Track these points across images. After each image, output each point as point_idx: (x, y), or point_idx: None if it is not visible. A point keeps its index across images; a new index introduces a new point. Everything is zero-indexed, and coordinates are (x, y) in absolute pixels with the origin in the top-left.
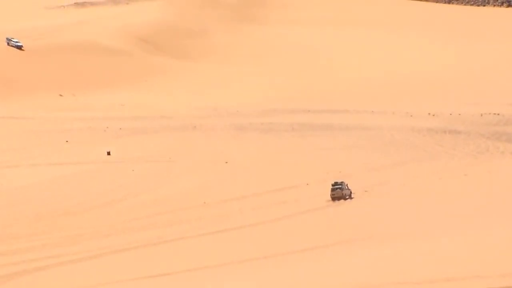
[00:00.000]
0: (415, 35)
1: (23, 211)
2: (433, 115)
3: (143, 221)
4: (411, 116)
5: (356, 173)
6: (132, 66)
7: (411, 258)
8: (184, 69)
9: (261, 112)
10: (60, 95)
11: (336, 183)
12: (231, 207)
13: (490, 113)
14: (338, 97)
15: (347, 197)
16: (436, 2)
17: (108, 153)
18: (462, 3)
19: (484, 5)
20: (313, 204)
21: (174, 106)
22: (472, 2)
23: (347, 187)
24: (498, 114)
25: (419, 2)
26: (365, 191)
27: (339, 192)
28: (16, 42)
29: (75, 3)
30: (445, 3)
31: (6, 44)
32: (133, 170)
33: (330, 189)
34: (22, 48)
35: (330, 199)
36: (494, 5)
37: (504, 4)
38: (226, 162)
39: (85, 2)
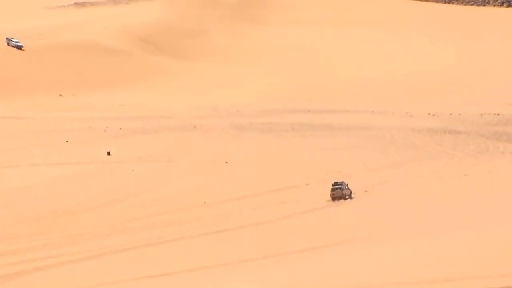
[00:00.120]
0: (415, 35)
1: (23, 211)
2: (433, 115)
3: (143, 221)
4: (411, 116)
5: (356, 173)
6: (132, 66)
7: (411, 258)
8: (184, 69)
9: (261, 112)
10: (60, 95)
11: (336, 183)
12: (231, 207)
13: (490, 113)
14: (338, 97)
15: (347, 197)
16: (436, 2)
17: (108, 153)
18: (462, 3)
19: (484, 5)
20: (313, 204)
21: (174, 106)
22: (472, 2)
23: (347, 187)
24: (498, 114)
25: (419, 2)
26: (365, 191)
27: (339, 192)
28: (16, 42)
29: (75, 3)
30: (445, 3)
31: (6, 44)
32: (133, 170)
33: (330, 189)
34: (22, 48)
35: (330, 199)
36: (494, 5)
37: (504, 4)
38: (226, 162)
39: (85, 2)
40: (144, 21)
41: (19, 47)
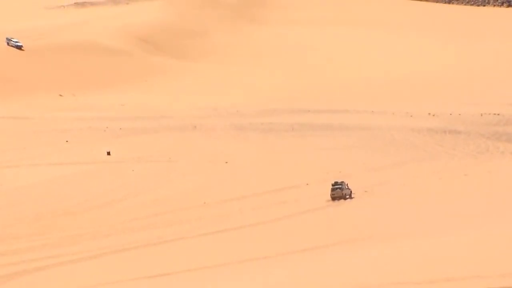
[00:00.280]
0: (415, 35)
1: (23, 211)
2: (433, 115)
3: (143, 221)
4: (411, 116)
5: (356, 173)
6: (132, 66)
7: (411, 258)
8: (184, 69)
9: (261, 112)
10: (60, 95)
11: (336, 183)
12: (231, 207)
13: (490, 113)
14: (338, 97)
15: (347, 197)
16: (436, 2)
17: (108, 153)
18: (462, 3)
19: (484, 5)
20: (313, 204)
21: (174, 106)
22: (472, 2)
23: (347, 187)
24: (498, 114)
25: (419, 2)
26: (365, 191)
27: (339, 192)
28: (16, 42)
29: (75, 3)
30: (445, 3)
31: (6, 44)
32: (133, 170)
33: (330, 189)
34: (22, 48)
35: (330, 199)
36: (494, 5)
37: (504, 4)
38: (226, 162)
39: (85, 2)
40: (144, 21)
41: (19, 47)
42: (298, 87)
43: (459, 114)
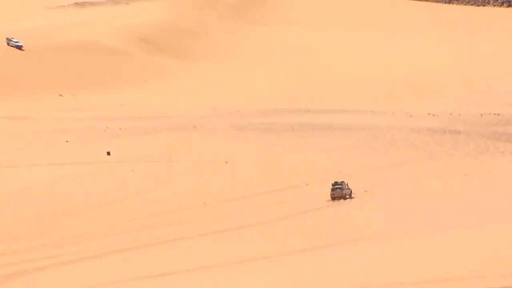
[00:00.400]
0: (415, 35)
1: (23, 211)
2: (433, 115)
3: (143, 221)
4: (411, 116)
5: (356, 173)
6: (132, 66)
7: (411, 258)
8: (184, 69)
9: (261, 112)
10: (60, 95)
11: (336, 183)
12: (231, 207)
13: (490, 113)
14: (338, 97)
15: (347, 197)
16: (436, 2)
17: (108, 153)
18: (462, 3)
19: (484, 5)
20: (313, 204)
21: (174, 106)
22: (472, 2)
23: (347, 187)
24: (498, 114)
25: (419, 2)
26: (365, 191)
27: (339, 192)
28: (16, 42)
29: (75, 3)
30: (445, 3)
31: (6, 44)
32: (133, 170)
33: (330, 189)
34: (22, 48)
35: (330, 199)
36: (494, 5)
37: (504, 4)
38: (226, 162)
39: (85, 2)
40: (144, 21)
41: (19, 47)
42: (298, 87)
43: (459, 114)
